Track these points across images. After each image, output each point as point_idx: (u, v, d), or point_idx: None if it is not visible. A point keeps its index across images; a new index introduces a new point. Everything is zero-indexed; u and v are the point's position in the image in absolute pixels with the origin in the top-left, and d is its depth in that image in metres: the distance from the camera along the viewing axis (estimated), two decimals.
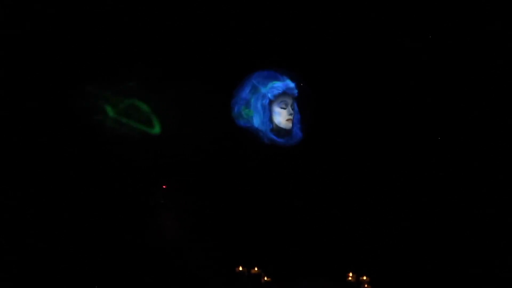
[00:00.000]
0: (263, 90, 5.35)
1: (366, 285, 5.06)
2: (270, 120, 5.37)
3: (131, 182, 5.16)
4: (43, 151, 5.07)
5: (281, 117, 5.37)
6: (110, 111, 5.18)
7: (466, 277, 5.14)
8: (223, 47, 5.34)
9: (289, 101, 5.38)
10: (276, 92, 5.36)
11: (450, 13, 5.40)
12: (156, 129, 5.24)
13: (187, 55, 5.31)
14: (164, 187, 5.23)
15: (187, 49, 5.31)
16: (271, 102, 5.36)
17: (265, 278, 5.03)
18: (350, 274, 5.06)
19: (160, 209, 5.18)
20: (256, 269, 5.00)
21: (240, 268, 4.98)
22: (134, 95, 5.23)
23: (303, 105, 5.42)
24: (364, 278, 5.06)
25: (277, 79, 5.37)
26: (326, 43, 5.42)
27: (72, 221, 5.03)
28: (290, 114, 5.38)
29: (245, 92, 5.35)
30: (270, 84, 5.36)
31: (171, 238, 5.06)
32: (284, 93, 5.37)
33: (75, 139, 5.11)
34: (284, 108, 5.37)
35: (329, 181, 5.35)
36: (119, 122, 5.17)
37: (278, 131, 5.38)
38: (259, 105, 5.34)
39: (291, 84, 5.37)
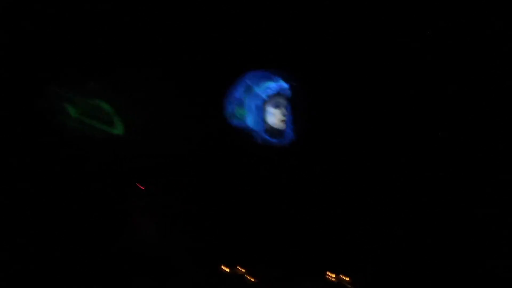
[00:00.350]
0: (257, 90, 5.37)
1: (350, 286, 5.24)
2: (264, 120, 5.42)
3: (102, 184, 5.13)
4: (3, 152, 4.98)
5: (275, 117, 5.38)
6: (72, 111, 5.09)
7: (455, 277, 5.22)
8: (214, 47, 5.32)
9: (283, 101, 5.38)
10: (270, 92, 5.34)
11: (449, 13, 5.26)
12: (119, 130, 5.17)
13: (174, 55, 5.29)
14: (142, 188, 5.25)
15: (176, 49, 5.28)
16: (265, 103, 5.38)
17: (251, 279, 5.22)
18: (332, 274, 5.24)
19: (139, 211, 5.22)
20: (240, 269, 5.23)
21: (224, 268, 5.21)
22: (97, 95, 5.12)
23: (296, 106, 5.45)
24: (347, 279, 5.24)
25: (271, 79, 5.34)
26: (320, 44, 5.34)
27: (41, 227, 4.96)
28: (284, 115, 5.37)
29: (239, 92, 5.40)
30: (264, 85, 5.36)
31: (152, 240, 5.14)
32: (278, 93, 5.36)
33: (36, 139, 5.02)
34: (278, 109, 5.40)
35: (323, 182, 5.43)
36: (81, 122, 5.08)
37: (272, 131, 5.40)
38: (253, 105, 5.40)
39: (285, 85, 5.34)
